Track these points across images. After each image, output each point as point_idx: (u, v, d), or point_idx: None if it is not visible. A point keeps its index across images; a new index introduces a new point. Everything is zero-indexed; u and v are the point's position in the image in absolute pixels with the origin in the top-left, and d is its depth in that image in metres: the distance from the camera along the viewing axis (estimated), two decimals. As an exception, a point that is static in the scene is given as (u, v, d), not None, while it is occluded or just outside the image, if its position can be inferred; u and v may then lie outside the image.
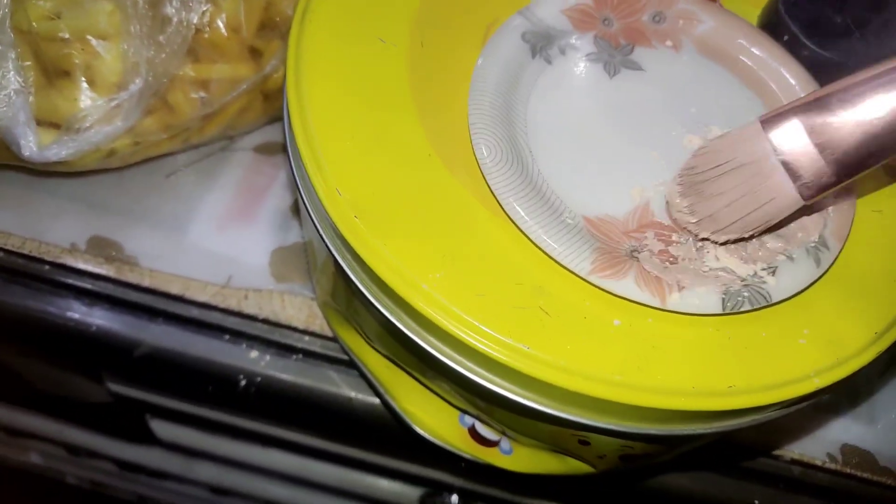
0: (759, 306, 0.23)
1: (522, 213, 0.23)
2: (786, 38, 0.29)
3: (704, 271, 0.24)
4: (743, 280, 0.24)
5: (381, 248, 0.23)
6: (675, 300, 0.23)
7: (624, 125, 0.26)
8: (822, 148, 0.21)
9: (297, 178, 0.26)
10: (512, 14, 0.28)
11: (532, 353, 0.22)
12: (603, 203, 0.25)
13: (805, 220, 0.25)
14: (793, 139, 0.21)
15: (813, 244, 0.25)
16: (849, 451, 0.36)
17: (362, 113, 0.25)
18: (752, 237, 0.24)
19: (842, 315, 0.24)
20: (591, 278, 0.23)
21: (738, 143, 0.22)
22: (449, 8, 0.29)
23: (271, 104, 0.37)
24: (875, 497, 0.35)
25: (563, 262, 0.23)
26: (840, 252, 0.25)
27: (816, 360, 0.23)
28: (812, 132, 0.21)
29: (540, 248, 0.23)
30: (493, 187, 0.24)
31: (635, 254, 0.24)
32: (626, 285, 0.23)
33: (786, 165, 0.21)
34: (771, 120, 0.22)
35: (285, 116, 0.27)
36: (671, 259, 0.24)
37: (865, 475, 0.36)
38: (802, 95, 0.27)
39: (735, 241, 0.24)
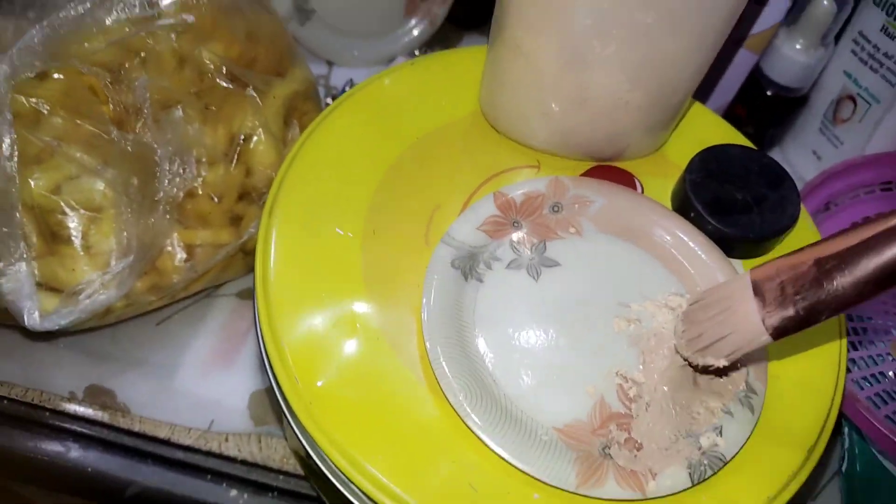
0: (718, 469, 0.27)
1: (505, 447, 0.26)
2: (692, 214, 0.33)
3: (666, 448, 0.27)
4: (700, 448, 0.27)
5: (331, 432, 0.27)
6: (652, 488, 0.26)
7: (561, 326, 0.29)
8: (789, 288, 0.23)
9: (265, 362, 0.30)
10: (449, 199, 0.33)
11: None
12: (567, 409, 0.27)
13: (731, 371, 0.28)
14: (768, 282, 0.24)
15: (743, 393, 0.28)
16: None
17: (321, 303, 0.29)
18: (725, 368, 0.27)
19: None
20: (580, 491, 0.26)
21: (726, 283, 0.26)
22: (398, 196, 0.33)
23: (251, 259, 0.41)
24: None
25: (550, 482, 0.26)
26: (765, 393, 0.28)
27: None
28: (784, 282, 0.24)
29: (526, 473, 0.26)
30: (472, 427, 0.26)
31: (606, 450, 0.27)
32: (610, 489, 0.26)
33: (757, 301, 0.24)
34: (757, 269, 0.25)
35: (254, 306, 0.31)
36: (637, 446, 0.27)
37: None
38: (699, 253, 0.31)
39: (681, 396, 0.28)
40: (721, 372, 0.29)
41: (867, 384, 0.39)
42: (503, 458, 0.26)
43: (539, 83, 0.33)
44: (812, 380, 0.30)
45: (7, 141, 0.35)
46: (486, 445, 0.27)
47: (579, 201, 0.32)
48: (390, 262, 0.31)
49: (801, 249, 0.24)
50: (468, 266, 0.30)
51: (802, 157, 0.54)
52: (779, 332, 0.24)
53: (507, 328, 0.29)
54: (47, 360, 0.41)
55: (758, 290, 0.25)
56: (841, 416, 0.41)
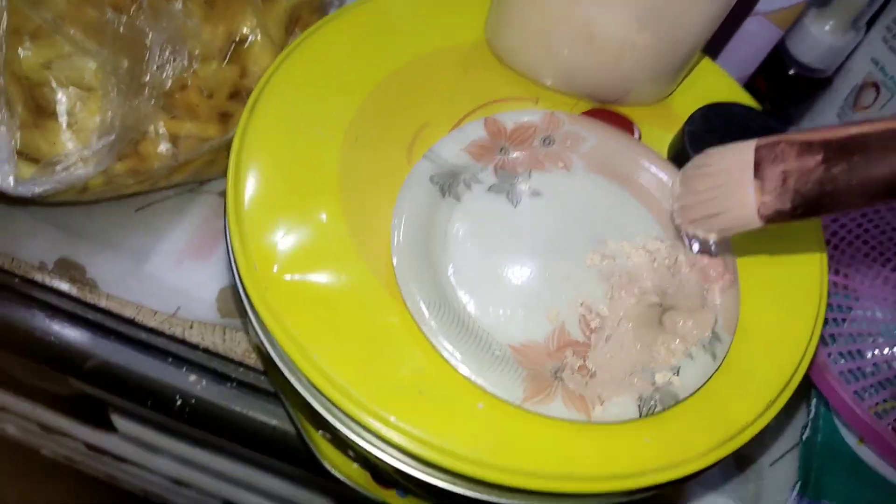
0: (669, 405, 0.27)
1: (457, 356, 0.26)
2: (686, 165, 0.32)
3: (620, 380, 0.27)
4: (654, 384, 0.27)
5: (284, 319, 0.27)
6: (598, 413, 0.26)
7: (533, 252, 0.29)
8: (791, 181, 0.23)
9: (229, 251, 0.30)
10: (439, 119, 0.32)
11: (400, 426, 0.25)
12: (525, 330, 0.27)
13: (698, 316, 0.28)
14: (771, 165, 0.24)
15: (708, 339, 0.28)
16: (730, 531, 0.39)
17: (292, 197, 0.29)
18: (712, 245, 0.28)
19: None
20: (526, 405, 0.26)
21: (729, 153, 0.25)
22: (386, 109, 0.32)
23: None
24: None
25: (496, 394, 0.26)
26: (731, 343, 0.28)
27: (655, 458, 0.26)
28: (788, 166, 0.23)
29: (474, 383, 0.26)
30: (427, 334, 0.26)
31: (559, 374, 0.27)
32: (556, 407, 0.26)
33: (757, 184, 0.24)
34: (763, 146, 0.24)
35: (227, 193, 0.30)
36: (590, 373, 0.27)
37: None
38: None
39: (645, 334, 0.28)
40: (688, 314, 0.28)
41: (842, 360, 0.39)
42: (453, 367, 0.26)
43: (546, 15, 0.32)
44: (784, 337, 0.30)
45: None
46: (437, 352, 0.26)
47: (572, 137, 0.32)
48: (368, 171, 0.31)
49: (812, 130, 0.23)
50: (447, 184, 0.30)
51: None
52: (770, 221, 0.24)
53: (477, 247, 0.29)
54: (22, 229, 0.41)
55: (759, 171, 0.24)
56: (811, 387, 0.41)
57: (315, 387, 0.26)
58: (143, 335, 0.39)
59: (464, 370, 0.26)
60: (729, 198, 0.25)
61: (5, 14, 0.34)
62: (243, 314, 0.38)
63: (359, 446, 0.27)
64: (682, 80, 0.36)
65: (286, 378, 0.28)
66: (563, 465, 0.26)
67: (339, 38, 0.34)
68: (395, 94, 0.33)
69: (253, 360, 0.39)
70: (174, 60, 0.36)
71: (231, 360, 0.39)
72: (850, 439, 0.40)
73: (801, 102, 0.53)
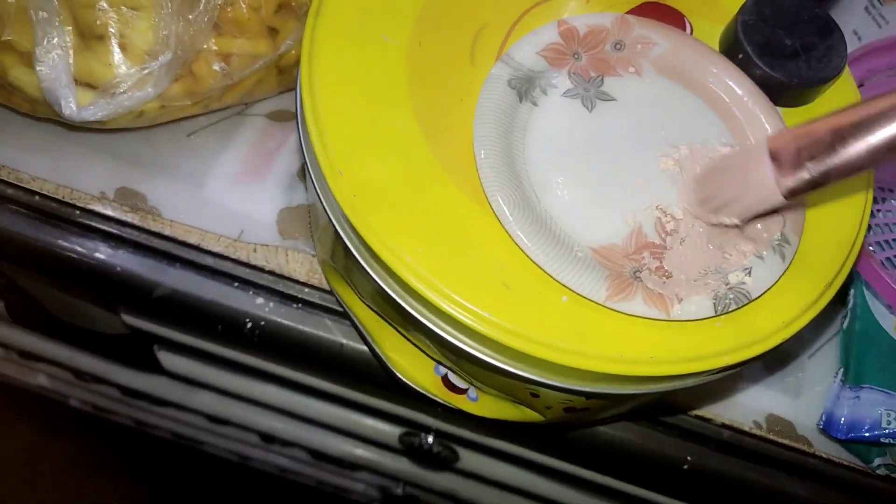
0: (743, 304, 0.28)
1: (543, 256, 0.27)
2: (740, 56, 0.32)
3: (695, 280, 0.28)
4: (728, 284, 0.28)
5: (374, 224, 0.27)
6: (677, 311, 0.27)
7: (608, 156, 0.30)
8: (806, 154, 0.25)
9: (305, 155, 0.30)
10: (497, 19, 0.32)
11: (492, 319, 0.27)
12: (604, 233, 0.28)
13: (768, 220, 0.29)
14: (784, 145, 0.25)
15: (777, 242, 0.29)
16: (773, 419, 0.41)
17: (364, 104, 0.29)
18: (735, 225, 0.28)
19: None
20: (608, 304, 0.27)
21: (742, 150, 0.27)
22: (446, 10, 0.32)
23: (285, 77, 0.41)
24: (790, 460, 0.41)
25: (581, 293, 0.27)
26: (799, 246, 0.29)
27: (728, 341, 0.28)
28: (801, 147, 0.25)
29: (558, 282, 0.27)
30: (513, 236, 0.27)
31: (638, 274, 0.28)
32: (637, 306, 0.27)
33: (774, 163, 0.25)
34: (774, 143, 0.26)
35: (297, 102, 0.31)
36: (667, 274, 0.28)
37: (784, 441, 0.41)
38: (753, 108, 0.31)
39: (717, 236, 0.29)
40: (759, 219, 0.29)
41: (880, 249, 0.40)
42: (538, 265, 0.27)
43: None
44: (837, 227, 0.31)
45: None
46: (522, 251, 0.27)
47: (642, 42, 0.32)
48: (435, 75, 0.31)
49: (817, 119, 0.25)
50: (524, 88, 0.30)
51: (843, 36, 0.53)
52: (792, 194, 0.25)
53: (556, 151, 0.29)
54: (80, 160, 0.41)
55: (774, 156, 0.25)
56: (849, 279, 0.42)
57: (410, 286, 0.27)
58: (209, 260, 0.40)
59: (548, 268, 0.27)
60: (749, 180, 0.26)
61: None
62: (310, 235, 0.39)
63: (449, 342, 0.28)
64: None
65: (372, 284, 0.29)
66: (645, 351, 0.27)
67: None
68: (453, -5, 0.33)
69: (317, 280, 0.40)
70: (226, -26, 0.35)
71: (296, 281, 0.40)
72: (888, 324, 0.41)
73: None
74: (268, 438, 0.81)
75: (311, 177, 0.30)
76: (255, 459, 0.87)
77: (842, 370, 0.42)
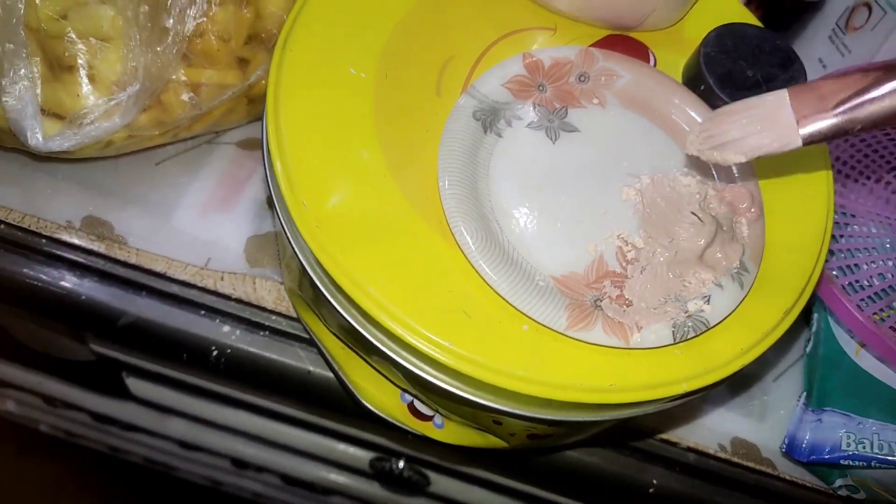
0: (701, 332, 0.28)
1: (504, 286, 0.27)
2: (702, 87, 0.33)
3: (655, 308, 0.29)
4: (687, 312, 0.29)
5: (336, 255, 0.28)
6: (636, 339, 0.28)
7: (571, 186, 0.30)
8: (832, 107, 0.25)
9: (270, 186, 0.31)
10: (463, 52, 0.33)
11: (453, 349, 0.27)
12: (566, 262, 0.29)
13: (727, 248, 0.30)
14: (806, 94, 0.26)
15: (736, 270, 0.30)
16: (737, 442, 0.42)
17: (330, 135, 0.30)
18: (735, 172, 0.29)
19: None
20: (568, 332, 0.27)
21: (760, 95, 0.27)
22: (412, 43, 0.33)
23: (255, 107, 0.41)
24: (754, 482, 0.41)
25: (542, 322, 0.27)
26: (758, 273, 0.30)
27: (687, 369, 0.28)
28: (826, 93, 0.26)
29: (519, 311, 0.27)
30: (475, 266, 0.28)
31: (598, 303, 0.28)
32: (597, 335, 0.27)
33: (795, 107, 0.26)
34: (796, 90, 0.26)
35: (263, 132, 0.31)
36: (627, 302, 0.29)
37: (748, 464, 0.41)
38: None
39: (677, 264, 0.29)
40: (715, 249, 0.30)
41: (842, 273, 0.41)
42: (500, 294, 0.28)
43: None
44: (798, 253, 0.32)
45: (15, -47, 0.34)
46: (484, 281, 0.28)
47: (606, 74, 0.33)
48: (401, 107, 0.31)
49: (846, 71, 0.26)
50: (489, 119, 0.31)
51: (808, 65, 0.54)
52: (811, 139, 0.26)
53: (519, 182, 0.30)
54: (46, 189, 0.41)
55: (795, 101, 0.26)
56: (812, 303, 0.43)
57: (372, 317, 0.27)
58: (175, 289, 0.40)
59: (510, 298, 0.28)
60: (768, 120, 0.26)
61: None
62: (278, 261, 0.39)
63: (411, 372, 0.28)
64: (693, 4, 0.37)
65: (335, 314, 0.30)
66: (605, 379, 0.27)
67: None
68: (419, 28, 0.33)
69: (284, 307, 0.40)
70: (194, 4, 0.36)
71: (263, 309, 0.40)
72: (850, 349, 0.42)
73: (793, 26, 0.55)
74: (240, 464, 0.80)
75: (276, 208, 0.30)
76: (228, 484, 0.86)
77: (805, 393, 0.43)
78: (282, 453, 0.68)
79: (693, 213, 0.30)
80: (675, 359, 0.28)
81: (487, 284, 0.28)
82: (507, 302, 0.28)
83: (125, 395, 0.63)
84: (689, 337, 0.28)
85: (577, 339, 0.27)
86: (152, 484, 1.02)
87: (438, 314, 0.27)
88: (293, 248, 0.30)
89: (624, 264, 0.29)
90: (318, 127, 0.30)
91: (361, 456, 0.58)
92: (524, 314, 0.28)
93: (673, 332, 0.28)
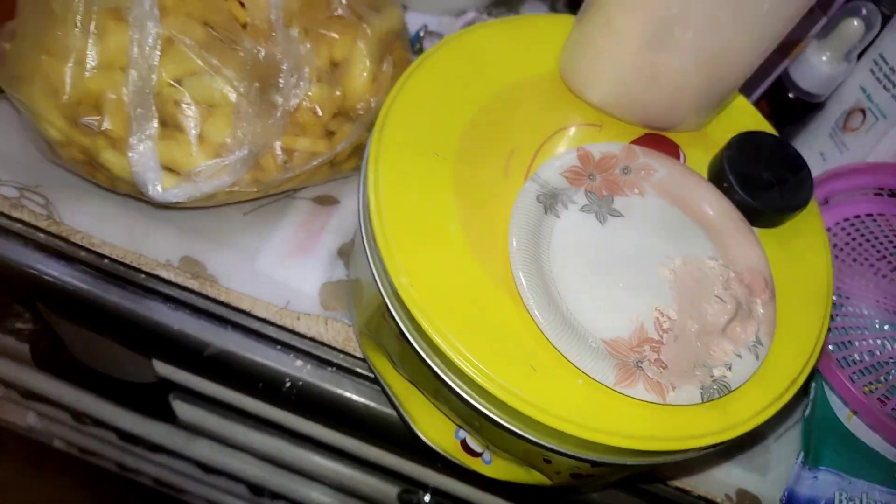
0: (724, 394, 0.34)
1: (564, 346, 0.33)
2: (725, 184, 0.39)
3: (685, 371, 0.34)
4: (712, 377, 0.34)
5: (427, 309, 0.33)
6: (671, 397, 0.33)
7: (617, 263, 0.36)
8: None
9: (366, 245, 0.36)
10: (525, 143, 0.39)
11: (521, 395, 0.32)
12: (613, 327, 0.34)
13: (746, 324, 0.36)
14: None
15: (752, 343, 0.35)
16: (742, 494, 0.47)
17: (418, 206, 0.35)
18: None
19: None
20: (616, 388, 0.33)
21: None
22: (484, 134, 0.39)
23: (335, 170, 0.47)
24: (755, 528, 0.47)
25: (595, 378, 0.33)
26: (770, 347, 0.36)
27: (712, 424, 0.34)
28: None
29: (576, 367, 0.33)
30: (540, 328, 0.33)
31: (640, 364, 0.34)
32: (639, 391, 0.33)
33: None
34: None
35: (361, 200, 0.37)
36: (663, 365, 0.34)
37: (751, 512, 0.47)
38: (733, 229, 0.38)
39: (704, 336, 0.35)
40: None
41: (837, 349, 0.47)
42: (560, 352, 0.33)
43: (620, 57, 0.39)
44: (803, 331, 0.38)
45: (153, 33, 0.40)
46: (548, 340, 0.33)
47: (645, 168, 0.39)
48: (476, 186, 0.37)
49: None
50: (549, 203, 0.36)
51: (810, 156, 0.61)
52: None
53: (574, 257, 0.36)
54: (148, 231, 0.47)
55: None
56: (813, 372, 0.49)
57: (454, 365, 0.33)
58: (256, 325, 0.45)
59: (568, 356, 0.33)
60: None
61: (160, 40, 0.40)
62: (361, 302, 0.45)
63: (482, 412, 0.34)
64: (718, 114, 0.43)
65: (415, 358, 0.35)
66: (645, 429, 0.33)
67: (440, 72, 0.40)
68: (489, 120, 0.39)
69: (352, 347, 0.46)
70: (299, 85, 0.42)
71: (333, 348, 0.46)
72: (842, 415, 0.48)
73: (797, 123, 0.61)
74: (256, 490, 0.84)
75: (372, 268, 0.36)
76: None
77: (803, 453, 0.48)
78: (303, 480, 0.72)
79: (717, 296, 0.36)
80: (702, 415, 0.34)
81: (550, 343, 0.33)
82: (566, 359, 0.33)
83: (168, 417, 0.67)
84: (714, 398, 0.34)
85: (622, 394, 0.33)
86: None
87: (509, 365, 0.33)
88: (383, 299, 0.35)
89: (661, 333, 0.35)
90: (409, 199, 0.36)
91: (389, 490, 0.62)
92: (580, 370, 0.33)
93: (701, 392, 0.34)
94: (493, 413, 0.34)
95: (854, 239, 0.53)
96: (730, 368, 0.35)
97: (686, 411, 0.34)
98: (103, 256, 0.46)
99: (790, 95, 0.58)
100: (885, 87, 0.54)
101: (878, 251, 0.52)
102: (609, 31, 0.38)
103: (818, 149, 0.61)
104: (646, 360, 0.34)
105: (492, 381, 0.32)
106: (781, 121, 0.60)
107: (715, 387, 0.34)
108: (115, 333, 0.48)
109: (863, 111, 0.56)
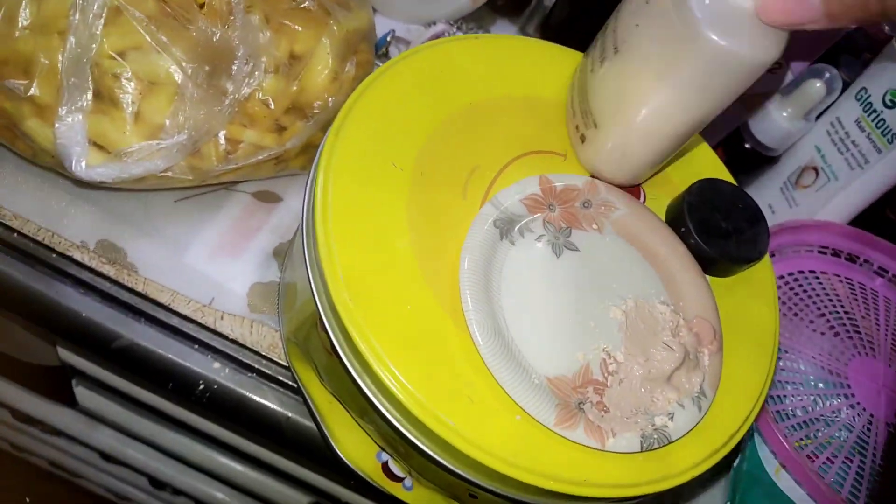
0: (663, 444, 0.33)
1: (506, 379, 0.31)
2: (682, 229, 0.38)
3: (627, 418, 0.33)
4: (654, 426, 0.33)
5: (364, 327, 0.31)
6: (610, 443, 0.32)
7: (568, 298, 0.34)
8: None
9: (305, 253, 0.34)
10: (487, 163, 0.37)
11: (454, 428, 0.30)
12: (558, 365, 0.33)
13: (691, 374, 0.34)
14: None
15: (696, 394, 0.34)
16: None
17: (369, 218, 0.33)
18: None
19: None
20: (555, 429, 0.31)
21: None
22: (445, 149, 0.37)
23: (281, 167, 0.44)
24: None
25: (534, 416, 0.31)
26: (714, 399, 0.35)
27: (649, 474, 0.33)
28: None
29: (516, 403, 0.31)
30: (483, 357, 0.32)
31: (581, 406, 0.32)
32: (578, 434, 0.31)
33: None
34: None
35: (307, 204, 0.34)
36: (605, 409, 0.33)
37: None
38: (686, 275, 0.37)
39: (648, 382, 0.33)
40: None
41: (772, 402, 0.46)
42: (501, 386, 0.31)
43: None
44: (747, 384, 0.37)
45: (99, 1, 0.37)
46: (488, 371, 0.32)
47: (605, 204, 0.37)
48: (431, 203, 0.35)
49: None
50: (506, 228, 0.35)
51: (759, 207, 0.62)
52: None
53: (526, 288, 0.34)
54: (66, 208, 0.43)
55: None
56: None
57: (386, 388, 0.30)
58: (174, 321, 0.42)
59: (509, 390, 0.31)
60: None
61: (106, 9, 0.36)
62: (293, 308, 0.42)
63: (410, 440, 0.32)
64: (675, 161, 0.43)
65: (343, 376, 0.33)
66: (581, 474, 0.31)
67: (406, 80, 0.38)
68: (452, 136, 0.37)
69: (277, 354, 0.43)
70: (254, 74, 0.39)
71: (256, 353, 0.43)
72: (770, 468, 0.48)
73: (750, 173, 0.62)
74: (158, 484, 0.80)
75: (309, 274, 0.33)
76: (135, 502, 0.86)
77: (729, 503, 0.48)
78: (209, 481, 0.69)
79: (665, 343, 0.35)
80: (640, 464, 0.32)
81: (491, 374, 0.32)
82: (505, 393, 0.31)
83: (70, 402, 0.63)
84: (653, 448, 0.32)
85: (561, 435, 0.31)
86: (49, 486, 0.99)
87: (446, 395, 0.31)
88: (320, 313, 0.33)
89: (606, 375, 0.34)
90: (360, 209, 0.33)
91: (298, 499, 0.59)
92: (519, 406, 0.31)
93: (641, 441, 0.32)
94: (423, 443, 0.32)
95: (796, 294, 0.53)
96: (671, 418, 0.33)
97: (623, 458, 0.32)
98: (12, 230, 0.42)
99: (746, 146, 0.58)
100: (839, 149, 0.55)
101: (819, 308, 0.52)
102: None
103: (768, 201, 0.61)
104: (588, 402, 0.33)
105: (425, 410, 0.30)
106: (735, 169, 0.59)
107: (655, 436, 0.33)
108: (18, 314, 0.43)
109: (816, 170, 0.56)
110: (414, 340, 0.32)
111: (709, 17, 0.31)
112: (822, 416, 0.47)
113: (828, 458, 0.45)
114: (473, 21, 0.63)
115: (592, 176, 0.39)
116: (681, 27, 0.32)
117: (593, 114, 0.37)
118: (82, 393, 0.60)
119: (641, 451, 0.32)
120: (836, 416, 0.47)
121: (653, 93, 0.34)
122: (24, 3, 0.38)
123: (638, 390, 0.34)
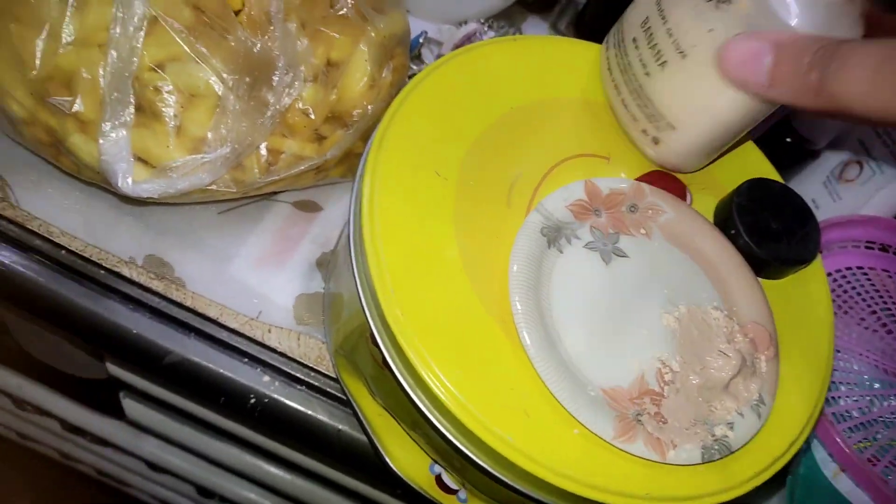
0: (725, 455, 0.32)
1: (561, 392, 0.31)
2: (732, 231, 0.38)
3: (686, 428, 0.32)
4: (714, 436, 0.32)
5: (416, 342, 0.31)
6: (671, 456, 0.31)
7: (619, 306, 0.34)
8: None
9: (354, 267, 0.34)
10: (531, 170, 0.37)
11: (513, 444, 0.30)
12: (613, 376, 0.32)
13: (749, 382, 0.34)
14: None
15: (755, 402, 0.34)
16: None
17: (415, 230, 0.33)
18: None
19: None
20: (614, 442, 0.31)
21: None
22: (489, 156, 0.36)
23: (321, 176, 0.44)
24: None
25: (592, 429, 0.31)
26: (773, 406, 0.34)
27: (711, 486, 0.32)
28: None
29: (573, 417, 0.31)
30: (537, 370, 0.31)
31: (639, 417, 0.32)
32: (638, 447, 0.31)
33: None
34: None
35: (352, 217, 0.34)
36: (663, 420, 0.32)
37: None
38: (739, 279, 0.36)
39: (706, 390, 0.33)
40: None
41: (828, 405, 0.45)
42: (557, 399, 0.31)
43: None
44: (802, 395, 0.36)
45: (139, 14, 0.37)
46: (544, 385, 0.31)
47: (653, 208, 0.36)
48: (477, 212, 0.35)
49: None
50: (553, 236, 0.34)
51: (802, 202, 0.60)
52: None
53: (576, 297, 0.33)
54: (113, 225, 0.43)
55: None
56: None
57: (441, 403, 0.30)
58: (223, 335, 0.42)
59: (566, 404, 0.31)
60: None
61: (146, 22, 0.36)
62: (339, 320, 0.42)
63: (466, 455, 0.31)
64: (718, 158, 0.42)
65: (394, 389, 0.32)
66: (642, 487, 0.31)
67: (448, 86, 0.38)
68: (496, 143, 0.37)
69: (325, 366, 0.43)
70: (294, 84, 0.39)
71: (305, 365, 0.43)
72: (828, 472, 0.46)
73: (792, 168, 0.60)
74: (206, 493, 0.81)
75: (358, 287, 0.33)
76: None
77: (787, 509, 0.47)
78: (256, 489, 0.69)
79: (721, 350, 0.34)
80: (701, 476, 0.32)
81: (546, 388, 0.31)
82: (562, 406, 0.31)
83: (117, 413, 0.63)
84: (714, 458, 0.32)
85: (620, 449, 0.31)
86: (99, 494, 1.01)
87: (501, 409, 0.31)
88: (370, 326, 0.33)
89: (662, 385, 0.33)
90: (406, 221, 0.33)
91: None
92: (577, 419, 0.31)
93: (702, 452, 0.32)
94: (480, 458, 0.31)
95: (845, 291, 0.51)
96: (731, 427, 0.33)
97: (684, 470, 0.32)
98: (61, 247, 0.42)
99: (787, 140, 0.57)
100: (884, 142, 0.53)
101: (869, 305, 0.51)
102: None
103: (811, 196, 0.60)
104: (645, 413, 0.32)
105: (482, 426, 0.30)
106: (776, 164, 0.59)
107: (716, 447, 0.32)
108: (67, 331, 0.44)
109: (860, 163, 0.55)
110: (466, 353, 0.31)
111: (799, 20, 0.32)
112: (880, 417, 0.46)
113: (890, 462, 0.44)
114: (504, 19, 0.62)
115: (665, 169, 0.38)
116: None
117: (667, 117, 0.36)
118: (130, 405, 0.61)
119: (702, 463, 0.32)
120: (896, 418, 0.46)
121: (733, 91, 0.34)
122: (67, 19, 0.38)
123: (695, 399, 0.33)
